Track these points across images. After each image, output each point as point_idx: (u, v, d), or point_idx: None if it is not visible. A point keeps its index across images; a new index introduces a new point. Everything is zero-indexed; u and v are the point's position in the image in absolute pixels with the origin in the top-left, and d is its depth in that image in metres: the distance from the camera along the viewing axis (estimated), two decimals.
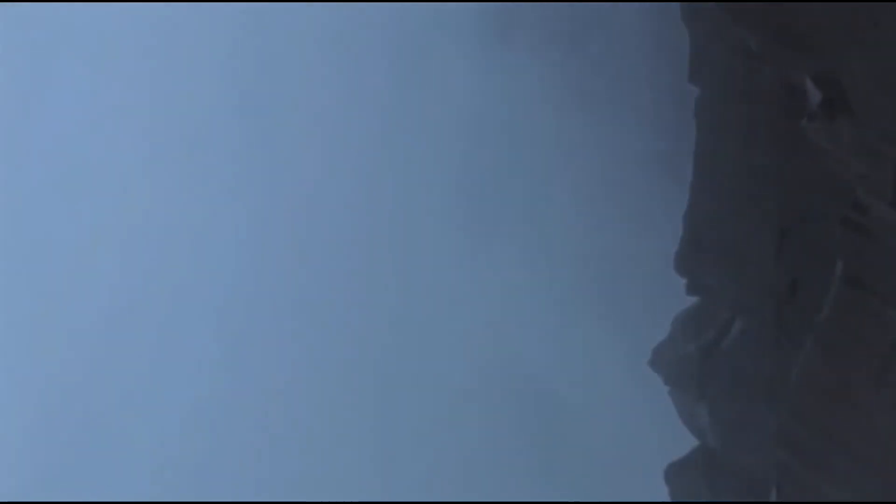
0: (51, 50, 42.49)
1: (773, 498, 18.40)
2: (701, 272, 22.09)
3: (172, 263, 41.88)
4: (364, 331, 40.22)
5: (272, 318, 41.16)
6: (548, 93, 38.27)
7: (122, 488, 40.69)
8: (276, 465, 40.45)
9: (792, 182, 19.45)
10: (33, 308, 42.58)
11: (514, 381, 38.58)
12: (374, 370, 40.06)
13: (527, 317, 38.71)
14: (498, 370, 38.77)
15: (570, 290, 38.13)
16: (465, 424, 38.87)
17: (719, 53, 20.24)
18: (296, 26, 40.45)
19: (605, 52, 36.82)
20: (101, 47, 42.14)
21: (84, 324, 42.05)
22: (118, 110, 42.18)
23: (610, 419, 37.01)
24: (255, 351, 41.22)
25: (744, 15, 17.08)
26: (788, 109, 18.40)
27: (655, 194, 35.88)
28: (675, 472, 23.72)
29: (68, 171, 42.44)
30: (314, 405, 40.30)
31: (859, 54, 15.53)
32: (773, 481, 18.54)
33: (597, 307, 37.73)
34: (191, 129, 41.76)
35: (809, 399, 17.24)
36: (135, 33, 41.80)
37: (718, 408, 22.01)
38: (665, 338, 24.03)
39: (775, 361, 20.09)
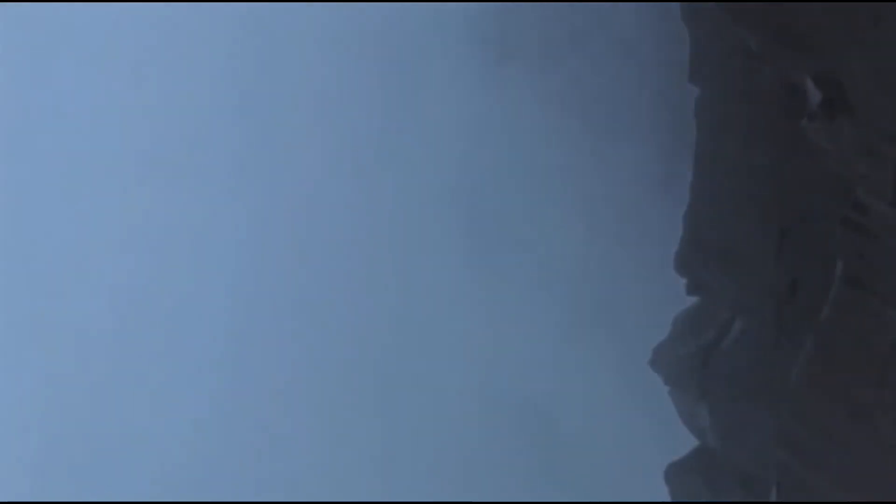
0: (51, 50, 42.50)
1: (773, 498, 18.41)
2: (701, 272, 22.10)
3: (171, 264, 41.87)
4: (364, 332, 40.22)
5: (272, 318, 41.16)
6: (547, 93, 38.28)
7: (122, 488, 40.71)
8: (277, 466, 40.46)
9: (792, 182, 19.46)
10: (32, 308, 42.60)
11: (514, 381, 38.59)
12: (374, 371, 40.07)
13: (526, 317, 38.72)
14: (497, 371, 38.78)
15: (569, 291, 38.14)
16: (465, 425, 38.88)
17: (719, 53, 20.25)
18: (296, 27, 40.46)
19: (604, 52, 36.82)
20: (101, 47, 42.15)
21: (83, 324, 42.06)
22: (118, 110, 42.18)
23: (610, 419, 37.02)
24: (255, 351, 41.23)
25: (744, 15, 17.09)
26: (788, 109, 18.41)
27: (655, 195, 35.89)
28: (675, 472, 23.73)
29: (68, 171, 42.45)
30: (314, 406, 40.31)
31: (859, 54, 15.53)
32: (773, 481, 18.56)
33: (597, 307, 37.73)
34: (191, 129, 41.76)
35: (809, 399, 17.25)
36: (135, 33, 41.80)
37: (718, 408, 22.02)
38: (665, 338, 24.05)
39: (775, 361, 20.10)
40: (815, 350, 17.17)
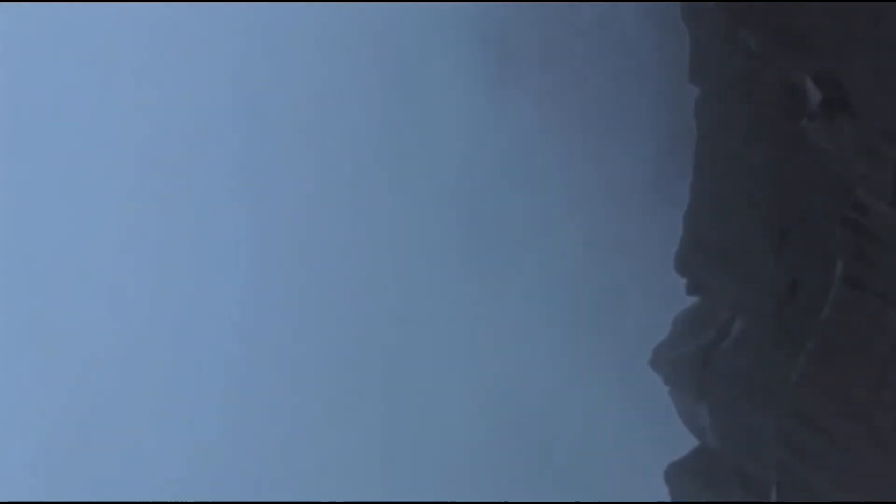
0: (51, 50, 42.48)
1: (773, 498, 18.41)
2: (701, 272, 22.10)
3: (171, 264, 41.86)
4: (364, 333, 40.22)
5: (271, 318, 41.16)
6: (546, 93, 38.27)
7: (122, 488, 40.71)
8: (276, 466, 40.45)
9: (792, 182, 19.46)
10: (32, 308, 42.58)
11: (513, 380, 38.58)
12: (373, 372, 40.07)
13: (526, 317, 38.71)
14: (497, 370, 38.78)
15: (569, 291, 38.12)
16: (465, 424, 38.87)
17: (719, 53, 20.24)
18: (296, 27, 40.44)
19: (604, 52, 36.81)
20: (101, 47, 42.14)
21: (83, 324, 42.05)
22: (118, 110, 42.17)
23: (610, 419, 37.01)
24: (254, 351, 41.23)
25: (744, 15, 17.10)
26: (788, 109, 18.40)
27: (655, 195, 35.87)
28: (675, 472, 23.72)
29: (68, 171, 42.44)
30: (314, 406, 40.30)
31: (859, 54, 15.54)
32: (773, 481, 18.56)
33: (597, 307, 37.72)
34: (190, 129, 41.74)
35: (809, 399, 17.25)
36: (135, 33, 41.78)
37: (718, 408, 22.01)
38: (665, 338, 24.04)
39: (775, 361, 20.09)
40: (815, 350, 17.17)
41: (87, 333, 42.06)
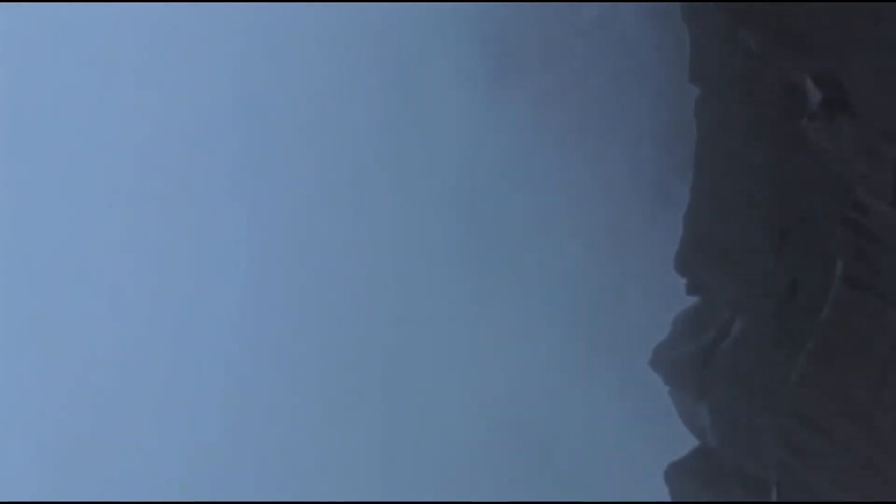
0: (51, 50, 42.47)
1: (774, 498, 18.41)
2: (701, 272, 22.10)
3: (171, 264, 41.85)
4: (364, 333, 40.22)
5: (271, 318, 41.15)
6: (546, 93, 38.27)
7: (122, 489, 40.69)
8: (276, 466, 40.44)
9: (792, 182, 19.46)
10: (32, 308, 42.58)
11: (513, 380, 38.57)
12: (373, 372, 40.07)
13: (525, 317, 38.71)
14: (497, 370, 38.78)
15: (569, 291, 38.11)
16: (464, 424, 38.87)
17: (719, 53, 20.24)
18: (296, 27, 40.44)
19: (604, 52, 36.81)
20: (101, 47, 42.13)
21: (83, 324, 42.04)
22: (118, 110, 42.15)
23: (610, 419, 37.00)
24: (253, 350, 41.21)
25: (744, 15, 17.11)
26: (788, 109, 18.40)
27: (655, 195, 35.87)
28: (675, 472, 23.72)
29: (68, 171, 42.44)
30: (313, 407, 40.29)
31: (859, 54, 15.54)
32: (773, 481, 18.56)
33: (597, 307, 37.71)
34: (190, 129, 41.73)
35: (809, 399, 17.25)
36: (135, 33, 41.77)
37: (718, 408, 22.02)
38: (665, 338, 24.05)
39: (775, 361, 20.09)
40: (815, 350, 17.17)
41: (87, 333, 42.05)
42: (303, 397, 40.43)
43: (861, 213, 16.15)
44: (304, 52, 40.70)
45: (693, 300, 23.19)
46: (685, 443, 23.68)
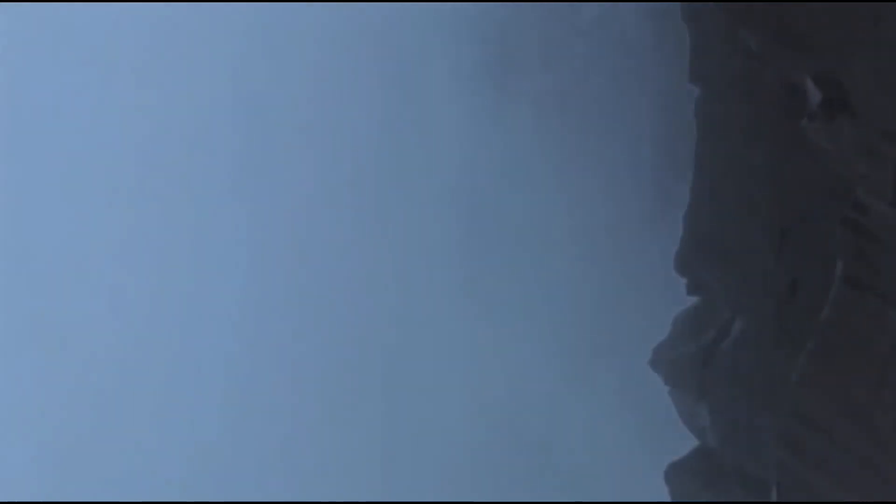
0: (51, 50, 42.47)
1: (774, 498, 18.41)
2: (701, 272, 22.11)
3: (171, 265, 41.85)
4: (363, 334, 40.24)
5: (271, 318, 41.16)
6: (546, 93, 38.27)
7: (122, 489, 40.70)
8: (275, 466, 40.45)
9: (792, 182, 19.47)
10: (32, 308, 42.59)
11: (513, 380, 38.58)
12: (373, 373, 40.07)
13: (525, 317, 38.72)
14: (497, 370, 38.79)
15: (569, 291, 38.11)
16: (464, 423, 38.87)
17: (719, 53, 20.25)
18: (296, 27, 40.43)
19: (604, 52, 36.81)
20: (101, 47, 42.12)
21: (83, 324, 42.04)
22: (118, 111, 42.16)
23: (610, 419, 37.00)
24: (253, 351, 41.22)
25: (744, 15, 17.11)
26: (788, 109, 18.41)
27: (655, 195, 35.87)
28: (675, 472, 23.74)
29: (68, 171, 42.44)
30: (313, 407, 40.29)
31: (859, 54, 15.55)
32: (773, 481, 18.56)
33: (597, 306, 37.72)
34: (190, 129, 41.73)
35: (809, 399, 17.26)
36: (135, 33, 41.77)
37: (718, 408, 22.03)
38: (665, 338, 24.06)
39: (775, 361, 20.10)
40: (815, 350, 17.18)
41: (87, 333, 42.05)
42: (303, 397, 40.43)
43: (861, 213, 16.15)
44: (304, 52, 40.68)
45: (693, 300, 23.20)
46: (685, 443, 23.68)
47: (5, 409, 42.30)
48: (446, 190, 39.87)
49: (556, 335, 38.15)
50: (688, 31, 21.36)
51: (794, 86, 17.26)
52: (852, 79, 15.64)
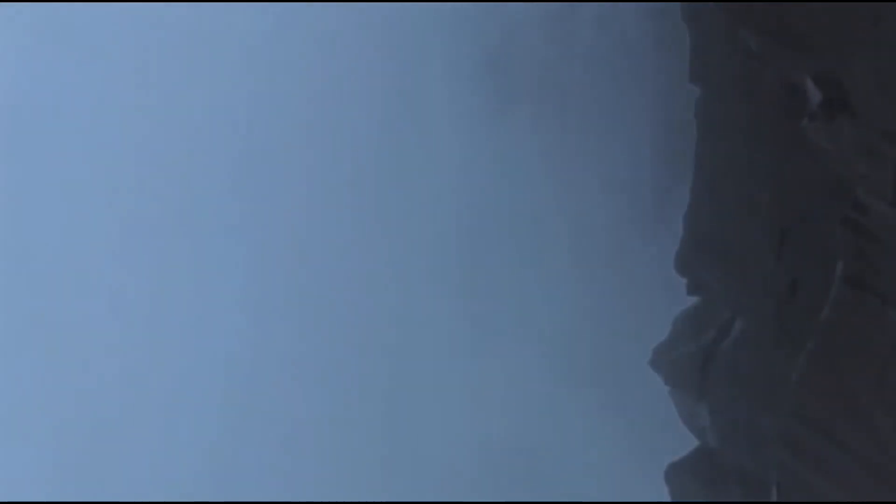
0: (51, 50, 42.46)
1: (774, 498, 18.42)
2: (701, 272, 22.12)
3: (171, 265, 41.85)
4: (363, 335, 40.24)
5: (271, 319, 41.16)
6: (545, 93, 38.27)
7: (122, 489, 40.71)
8: (276, 466, 40.46)
9: (792, 182, 19.47)
10: (32, 308, 42.59)
11: (513, 380, 38.59)
12: (373, 373, 40.07)
13: (525, 317, 38.72)
14: (497, 370, 38.78)
15: (569, 290, 38.11)
16: (464, 423, 38.88)
17: (719, 53, 20.26)
18: (296, 27, 40.44)
19: (604, 52, 36.81)
20: (101, 47, 42.12)
21: (83, 324, 42.05)
22: (119, 111, 42.15)
23: (610, 419, 37.00)
24: (253, 351, 41.22)
25: (744, 15, 17.11)
26: (788, 109, 18.41)
27: (655, 195, 35.86)
28: (675, 472, 23.74)
29: (68, 171, 42.43)
30: (313, 408, 40.31)
31: (859, 54, 15.55)
32: (773, 481, 18.57)
33: (597, 306, 37.72)
34: (190, 129, 41.71)
35: (809, 399, 17.26)
36: (136, 33, 41.77)
37: (718, 408, 22.03)
38: (665, 338, 24.06)
39: (775, 361, 20.10)
40: (815, 350, 17.18)
41: (87, 333, 42.05)
42: (303, 398, 40.43)
43: (861, 213, 16.16)
44: (304, 52, 40.67)
45: (693, 300, 23.20)
46: (685, 443, 23.68)
47: (5, 409, 42.30)
48: (445, 190, 39.86)
49: (555, 335, 38.15)
50: (688, 31, 21.37)
51: (794, 86, 17.26)
52: (852, 79, 15.64)
